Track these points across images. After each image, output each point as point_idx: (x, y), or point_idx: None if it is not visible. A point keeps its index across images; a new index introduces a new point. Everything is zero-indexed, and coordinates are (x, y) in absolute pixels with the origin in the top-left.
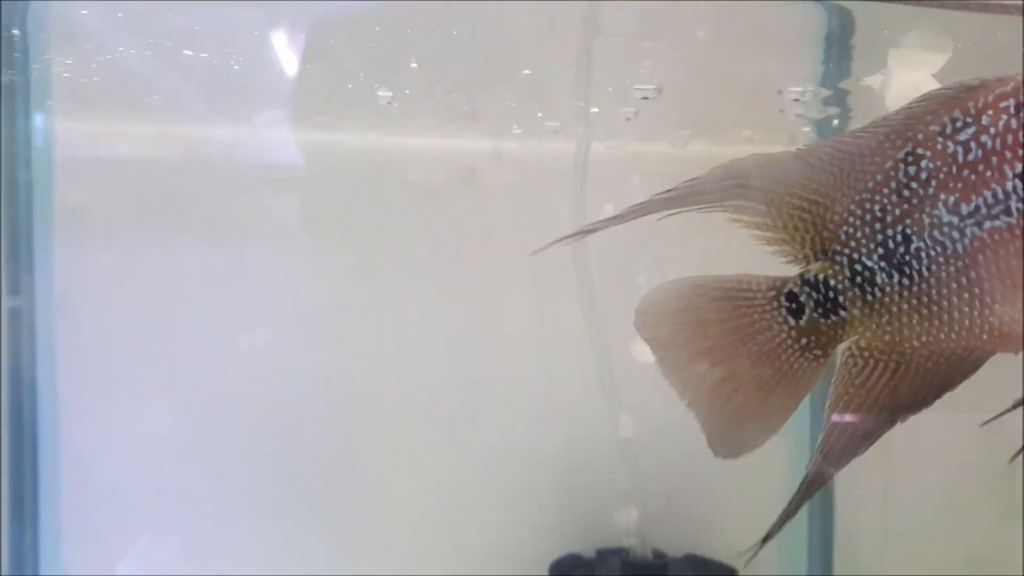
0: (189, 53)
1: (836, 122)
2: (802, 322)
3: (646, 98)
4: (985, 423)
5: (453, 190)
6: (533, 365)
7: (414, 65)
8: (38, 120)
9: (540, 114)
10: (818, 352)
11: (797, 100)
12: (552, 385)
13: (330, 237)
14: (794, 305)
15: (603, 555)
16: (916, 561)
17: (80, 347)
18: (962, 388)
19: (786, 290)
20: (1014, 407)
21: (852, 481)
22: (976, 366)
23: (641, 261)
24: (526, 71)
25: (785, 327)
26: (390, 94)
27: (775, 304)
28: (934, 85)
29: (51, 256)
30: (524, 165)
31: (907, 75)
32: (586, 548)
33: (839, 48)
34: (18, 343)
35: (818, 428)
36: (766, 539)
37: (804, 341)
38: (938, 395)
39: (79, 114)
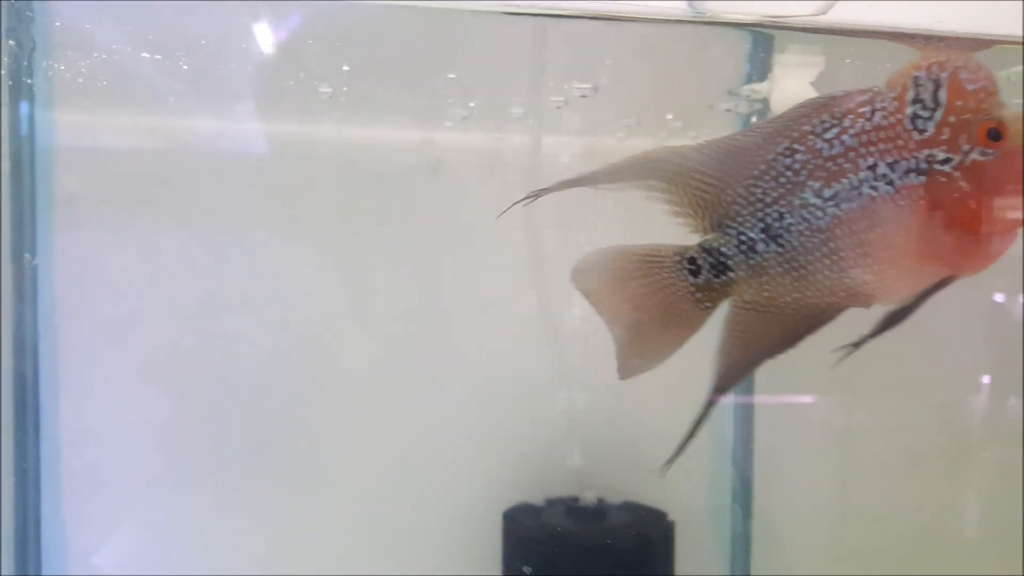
0: (174, 50)
1: (755, 119)
2: (699, 280)
3: (584, 96)
4: (836, 363)
5: (419, 180)
6: (488, 335)
7: (346, 68)
8: (39, 113)
9: (467, 108)
10: (708, 304)
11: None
12: (507, 355)
13: (304, 224)
14: (694, 267)
15: (551, 503)
16: (871, 534)
17: (78, 328)
18: (915, 372)
19: (688, 255)
20: (857, 345)
21: (773, 480)
22: (833, 317)
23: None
24: (484, 70)
25: (686, 284)
26: (330, 90)
27: (680, 266)
28: (809, 92)
29: (52, 239)
30: (484, 156)
31: (787, 83)
32: (537, 497)
33: (763, 52)
34: (22, 321)
35: (740, 392)
36: (677, 453)
37: (699, 295)
38: (803, 338)
39: (77, 107)
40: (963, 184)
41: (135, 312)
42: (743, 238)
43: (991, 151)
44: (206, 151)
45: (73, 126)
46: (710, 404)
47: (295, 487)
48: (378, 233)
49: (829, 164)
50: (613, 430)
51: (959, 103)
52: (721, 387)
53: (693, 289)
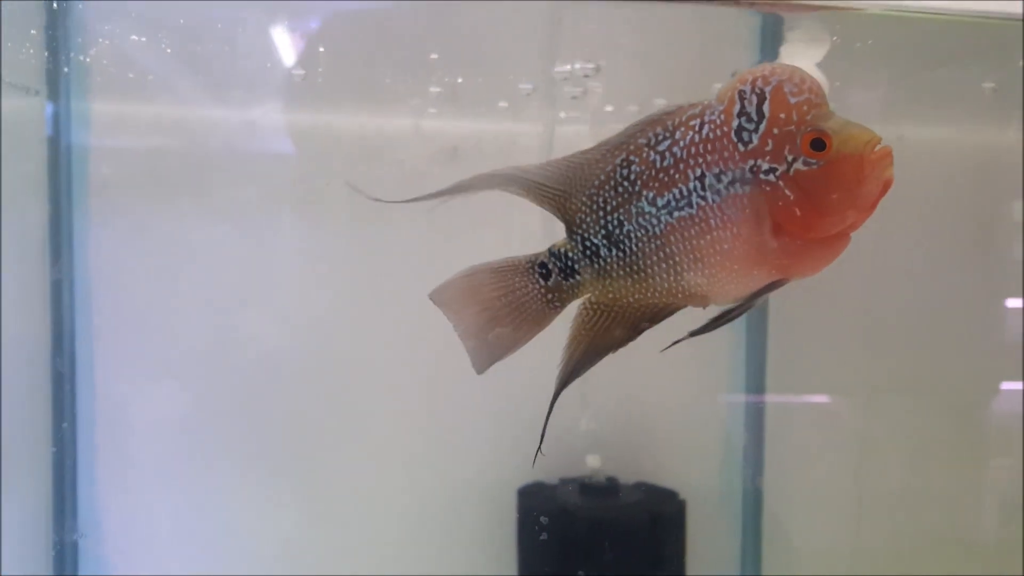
0: (199, 48)
1: None
2: (550, 283)
3: (587, 76)
4: (664, 349)
5: (437, 168)
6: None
7: (321, 49)
8: (77, 107)
9: (505, 104)
10: (558, 304)
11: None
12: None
13: (327, 213)
14: (544, 271)
15: (565, 482)
16: (888, 536)
17: (108, 316)
18: (929, 375)
19: (539, 261)
20: (693, 335)
21: (783, 481)
22: (671, 314)
23: None
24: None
25: (537, 286)
26: (303, 72)
27: (532, 270)
28: (817, 74)
29: (88, 228)
30: (500, 144)
31: (793, 63)
32: (551, 476)
33: (773, 33)
34: (60, 311)
35: (752, 380)
36: (541, 440)
37: (550, 296)
38: (642, 332)
39: (110, 101)
40: (787, 193)
41: (167, 300)
42: (588, 243)
43: (815, 161)
44: (231, 144)
45: (105, 121)
46: (557, 394)
47: (324, 466)
48: (398, 220)
49: (661, 175)
50: (627, 414)
51: (782, 115)
52: (565, 378)
53: (544, 291)
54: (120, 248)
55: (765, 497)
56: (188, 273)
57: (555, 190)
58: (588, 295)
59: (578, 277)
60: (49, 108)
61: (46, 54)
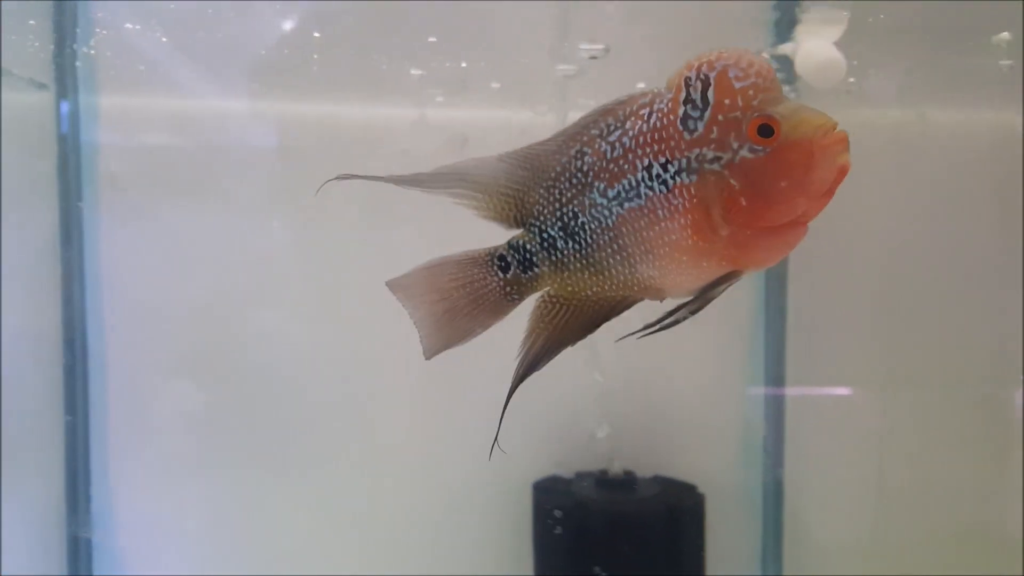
0: (199, 38)
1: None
2: (508, 275)
3: (594, 57)
4: (619, 339)
5: (447, 158)
6: (518, 312)
7: (316, 35)
8: (86, 102)
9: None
10: (516, 296)
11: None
12: None
13: (334, 205)
14: (503, 263)
15: (581, 476)
16: (910, 530)
17: (120, 311)
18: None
19: (498, 253)
20: (645, 332)
21: (803, 474)
22: (629, 306)
23: None
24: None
25: (496, 278)
26: (308, 60)
27: (491, 263)
28: (834, 52)
29: (98, 223)
30: (510, 133)
31: (810, 43)
32: (566, 470)
33: (789, 13)
34: (71, 306)
35: (772, 372)
36: (496, 436)
37: (508, 288)
38: (600, 325)
39: (116, 97)
40: (733, 182)
41: (177, 294)
42: (545, 236)
43: (761, 148)
44: (238, 137)
45: (113, 117)
46: (513, 388)
47: (336, 462)
48: (405, 212)
49: (611, 166)
50: (644, 407)
51: (727, 101)
52: (524, 372)
53: (503, 283)
54: (130, 242)
55: (785, 490)
56: (197, 267)
57: (515, 184)
58: (547, 288)
59: (536, 270)
60: (57, 103)
61: (52, 47)
